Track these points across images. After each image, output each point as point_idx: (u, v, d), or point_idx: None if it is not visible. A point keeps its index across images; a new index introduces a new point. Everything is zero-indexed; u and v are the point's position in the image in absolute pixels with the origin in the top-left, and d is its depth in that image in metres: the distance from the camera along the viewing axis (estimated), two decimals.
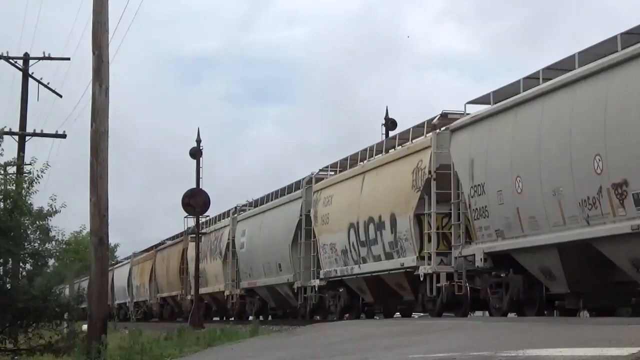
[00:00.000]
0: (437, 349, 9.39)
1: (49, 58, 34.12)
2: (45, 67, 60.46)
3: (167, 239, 52.39)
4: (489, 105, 18.75)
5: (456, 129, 19.62)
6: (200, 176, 34.06)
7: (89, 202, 16.44)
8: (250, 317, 35.44)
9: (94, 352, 15.61)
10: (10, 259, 23.64)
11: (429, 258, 20.68)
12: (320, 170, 28.41)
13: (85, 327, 18.62)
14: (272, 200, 32.52)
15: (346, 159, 26.44)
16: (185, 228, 45.40)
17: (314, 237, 27.72)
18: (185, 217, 37.55)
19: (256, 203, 34.94)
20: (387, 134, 32.38)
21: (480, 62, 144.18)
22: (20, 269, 24.94)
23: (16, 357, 21.79)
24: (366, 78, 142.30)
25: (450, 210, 20.55)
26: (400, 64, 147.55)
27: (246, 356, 13.72)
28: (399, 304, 24.00)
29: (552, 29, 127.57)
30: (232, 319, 40.08)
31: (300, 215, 28.81)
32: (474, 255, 18.69)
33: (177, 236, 48.26)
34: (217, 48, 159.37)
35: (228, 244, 36.89)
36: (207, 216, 38.61)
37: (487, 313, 22.41)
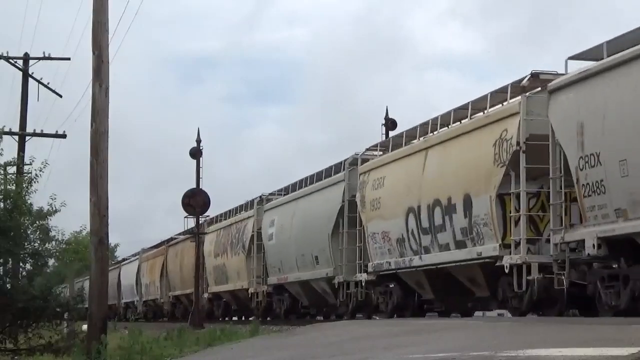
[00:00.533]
0: (437, 349, 9.29)
1: (49, 58, 33.85)
2: (45, 67, 60.17)
3: (179, 234, 48.98)
4: (594, 62, 15.42)
5: (557, 89, 16.22)
6: (200, 176, 33.79)
7: (89, 202, 16.19)
8: (279, 317, 32.12)
9: (93, 352, 15.27)
10: (10, 259, 23.35)
11: (516, 246, 17.32)
12: (367, 149, 25.01)
13: (85, 327, 18.36)
14: (307, 185, 29.14)
15: (400, 135, 23.09)
16: (185, 228, 42.74)
17: (360, 225, 24.34)
18: (185, 217, 37.03)
19: (287, 190, 31.57)
20: (387, 134, 31.28)
21: (481, 62, 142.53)
22: (20, 269, 24.76)
23: (16, 357, 21.39)
24: (367, 78, 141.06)
25: (540, 188, 17.30)
26: (402, 64, 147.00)
27: (246, 356, 13.63)
28: (471, 301, 20.58)
29: (554, 29, 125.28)
30: (252, 318, 36.90)
31: (343, 201, 25.44)
32: (582, 241, 15.31)
33: (190, 230, 44.86)
34: (218, 48, 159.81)
35: (252, 236, 33.48)
36: (207, 216, 37.91)
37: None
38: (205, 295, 40.58)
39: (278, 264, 30.74)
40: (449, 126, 20.90)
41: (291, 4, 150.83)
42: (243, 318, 39.24)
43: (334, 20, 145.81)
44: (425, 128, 21.63)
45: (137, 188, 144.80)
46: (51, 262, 26.38)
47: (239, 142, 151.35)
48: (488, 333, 11.08)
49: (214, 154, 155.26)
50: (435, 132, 21.00)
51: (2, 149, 23.47)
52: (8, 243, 22.01)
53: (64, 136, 34.17)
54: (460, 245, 19.21)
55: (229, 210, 38.10)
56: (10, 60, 33.70)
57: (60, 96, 34.56)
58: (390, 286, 23.41)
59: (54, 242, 24.70)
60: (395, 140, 23.25)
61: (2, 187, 23.21)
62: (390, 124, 32.88)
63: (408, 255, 21.53)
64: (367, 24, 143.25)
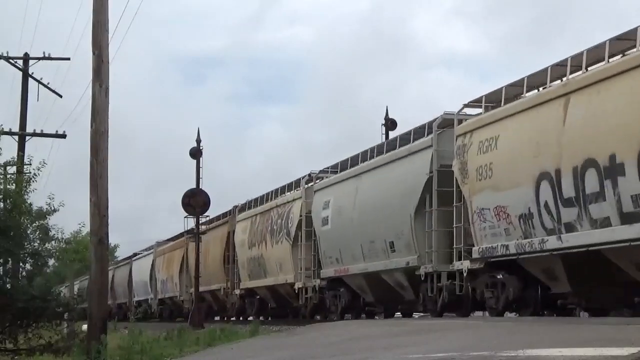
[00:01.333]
0: (437, 349, 9.26)
1: (49, 58, 33.92)
2: (45, 67, 61.86)
3: (203, 223, 43.80)
4: None
5: None
6: (200, 176, 33.63)
7: (89, 202, 16.17)
8: (333, 317, 27.11)
9: (93, 352, 15.21)
10: (10, 259, 23.17)
11: None
12: (466, 105, 19.95)
13: (85, 327, 18.21)
14: (372, 157, 24.12)
15: (517, 83, 18.05)
16: (185, 228, 40.59)
17: (459, 200, 19.37)
18: (185, 217, 36.58)
19: (343, 166, 26.54)
20: (387, 135, 31.13)
21: (485, 62, 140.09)
22: (20, 269, 24.56)
23: (16, 357, 21.31)
24: (371, 78, 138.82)
25: None
26: (406, 63, 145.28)
27: (246, 356, 13.65)
28: (637, 295, 15.54)
29: (558, 28, 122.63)
30: (294, 317, 32.12)
31: (430, 172, 20.45)
32: None
33: (217, 218, 39.86)
34: (221, 48, 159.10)
35: (300, 221, 28.46)
36: (207, 216, 37.24)
37: None
38: (237, 291, 35.56)
39: (335, 254, 25.73)
40: (588, 68, 15.95)
41: (294, 3, 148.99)
42: (286, 316, 34.24)
43: (337, 19, 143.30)
44: (560, 70, 16.61)
45: (138, 188, 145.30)
46: (51, 262, 27.02)
47: (241, 142, 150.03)
48: (488, 333, 11.08)
49: (217, 153, 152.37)
50: (578, 73, 15.98)
51: (0, 148, 23.55)
52: (8, 243, 21.82)
53: (64, 136, 34.08)
54: (629, 218, 14.19)
55: (267, 194, 33.10)
56: (10, 60, 33.65)
57: (60, 96, 34.52)
58: (499, 277, 18.47)
59: (53, 242, 25.12)
60: (510, 90, 18.23)
61: (2, 187, 23.03)
62: (390, 123, 32.83)
63: (537, 236, 16.52)
64: (371, 24, 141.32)
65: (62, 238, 26.69)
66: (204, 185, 33.54)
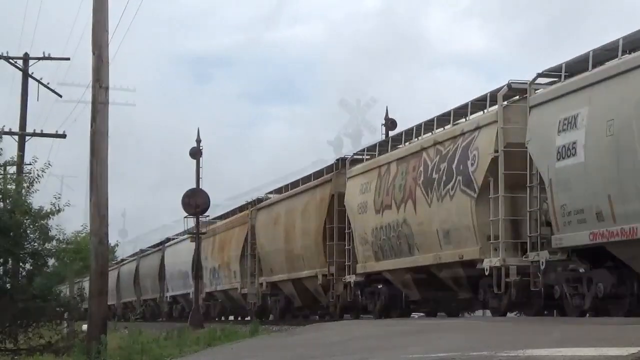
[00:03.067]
0: (437, 349, 9.16)
1: (49, 58, 33.85)
2: (45, 67, 58.59)
3: (271, 192, 33.02)
4: None
5: None
6: (200, 176, 33.46)
7: (89, 202, 16.52)
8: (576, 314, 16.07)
9: (93, 352, 15.26)
10: (10, 259, 23.30)
11: None
12: None
13: (85, 327, 18.36)
14: None
15: None
16: (185, 228, 37.78)
17: None
18: (185, 217, 35.09)
19: (600, 56, 15.38)
20: (387, 134, 30.58)
21: (496, 62, 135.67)
22: (20, 269, 24.40)
23: (16, 357, 21.19)
24: (382, 77, 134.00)
25: None
26: (418, 62, 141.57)
27: (246, 356, 13.49)
28: None
29: (571, 29, 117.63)
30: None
31: None
32: None
33: (306, 179, 28.79)
34: (229, 47, 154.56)
35: (494, 160, 17.58)
36: (207, 216, 35.86)
37: None
38: (349, 278, 24.51)
39: (592, 205, 14.72)
40: None
41: (302, 2, 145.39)
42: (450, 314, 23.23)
43: (347, 18, 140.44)
44: None
45: (142, 187, 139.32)
46: (51, 262, 25.48)
47: (249, 141, 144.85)
48: (488, 333, 10.99)
49: (225, 152, 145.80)
50: None
51: (1, 149, 24.16)
52: (8, 243, 21.75)
53: (63, 136, 33.95)
54: None
55: (407, 130, 22.15)
56: (10, 60, 33.59)
57: (60, 96, 34.21)
58: None
59: (54, 242, 23.88)
60: None
61: (2, 187, 23.01)
62: (390, 123, 32.17)
63: None
64: (384, 23, 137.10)
65: (64, 238, 24.96)
66: (209, 185, 30.60)
